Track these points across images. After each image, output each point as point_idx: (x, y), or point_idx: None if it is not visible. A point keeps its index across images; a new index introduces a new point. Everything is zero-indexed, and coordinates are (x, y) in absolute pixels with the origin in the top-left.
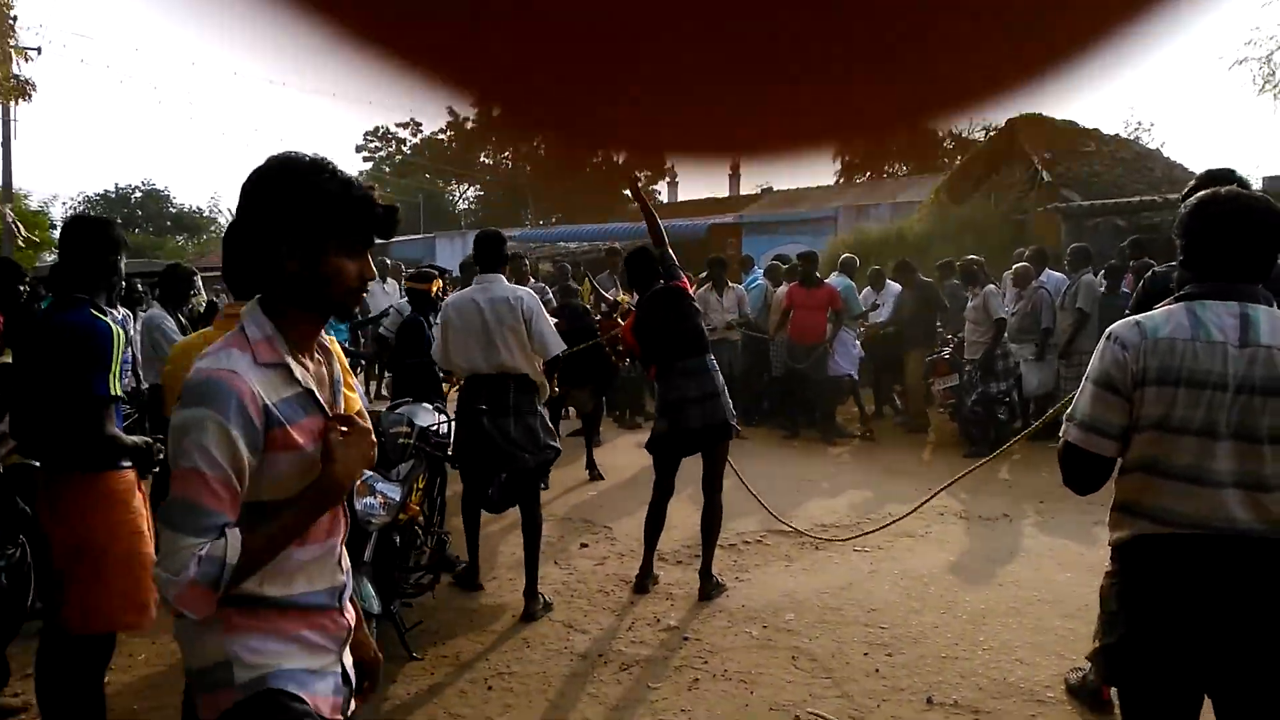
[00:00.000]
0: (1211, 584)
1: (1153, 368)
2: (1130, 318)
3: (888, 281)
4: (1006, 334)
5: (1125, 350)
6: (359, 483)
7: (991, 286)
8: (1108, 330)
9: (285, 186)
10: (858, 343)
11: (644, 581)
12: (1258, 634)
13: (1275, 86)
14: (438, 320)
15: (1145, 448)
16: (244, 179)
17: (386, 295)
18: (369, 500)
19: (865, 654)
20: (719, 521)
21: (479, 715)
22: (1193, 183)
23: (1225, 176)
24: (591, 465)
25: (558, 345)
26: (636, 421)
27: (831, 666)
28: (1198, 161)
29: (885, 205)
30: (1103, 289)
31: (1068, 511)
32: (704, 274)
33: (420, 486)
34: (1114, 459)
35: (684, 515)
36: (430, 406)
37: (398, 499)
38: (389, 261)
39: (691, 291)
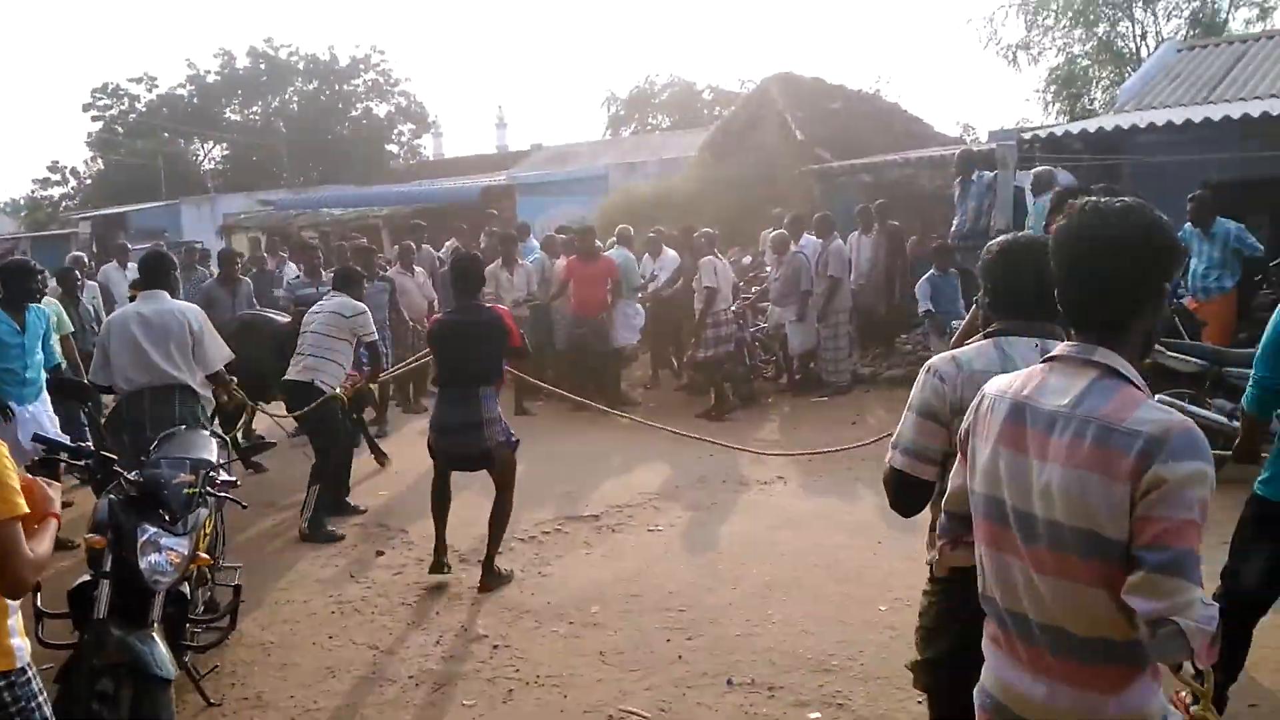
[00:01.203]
0: None
1: (969, 397)
2: (946, 353)
3: (664, 248)
4: (772, 298)
5: (943, 382)
6: (142, 540)
7: (709, 257)
8: (926, 364)
9: None
10: (640, 309)
11: (440, 561)
12: None
13: (998, 44)
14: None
15: (957, 475)
16: None
17: (127, 279)
18: (155, 558)
19: (668, 640)
20: (506, 518)
21: None
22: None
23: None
24: (375, 450)
25: (222, 359)
26: (422, 405)
27: (638, 658)
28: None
29: (653, 161)
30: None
31: (831, 470)
32: (482, 244)
33: (207, 531)
34: (934, 482)
35: (482, 511)
36: (205, 432)
37: (186, 552)
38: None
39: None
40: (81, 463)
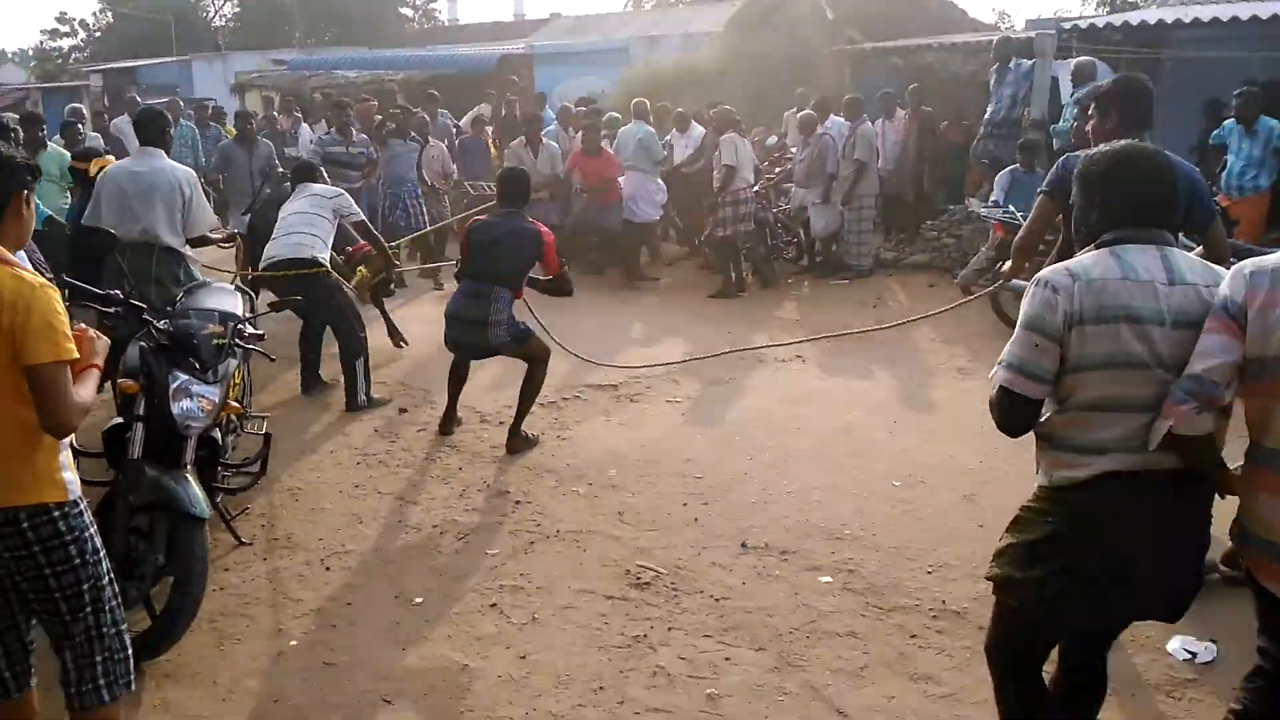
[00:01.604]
0: (1155, 519)
1: (1089, 307)
2: (1058, 265)
3: (693, 124)
4: (796, 180)
5: (1056, 293)
6: (174, 387)
7: (730, 135)
8: (1037, 276)
9: None
10: (661, 185)
11: (448, 425)
12: (1181, 567)
13: None
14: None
15: (1093, 386)
16: None
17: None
18: (186, 404)
19: (684, 504)
20: (536, 390)
21: (321, 597)
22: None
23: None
24: (392, 331)
25: (208, 224)
26: (440, 283)
27: (654, 519)
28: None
29: (676, 37)
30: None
31: (851, 351)
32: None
33: (237, 381)
34: (1041, 400)
35: (509, 374)
36: (230, 287)
37: (217, 400)
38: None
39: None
40: (111, 310)
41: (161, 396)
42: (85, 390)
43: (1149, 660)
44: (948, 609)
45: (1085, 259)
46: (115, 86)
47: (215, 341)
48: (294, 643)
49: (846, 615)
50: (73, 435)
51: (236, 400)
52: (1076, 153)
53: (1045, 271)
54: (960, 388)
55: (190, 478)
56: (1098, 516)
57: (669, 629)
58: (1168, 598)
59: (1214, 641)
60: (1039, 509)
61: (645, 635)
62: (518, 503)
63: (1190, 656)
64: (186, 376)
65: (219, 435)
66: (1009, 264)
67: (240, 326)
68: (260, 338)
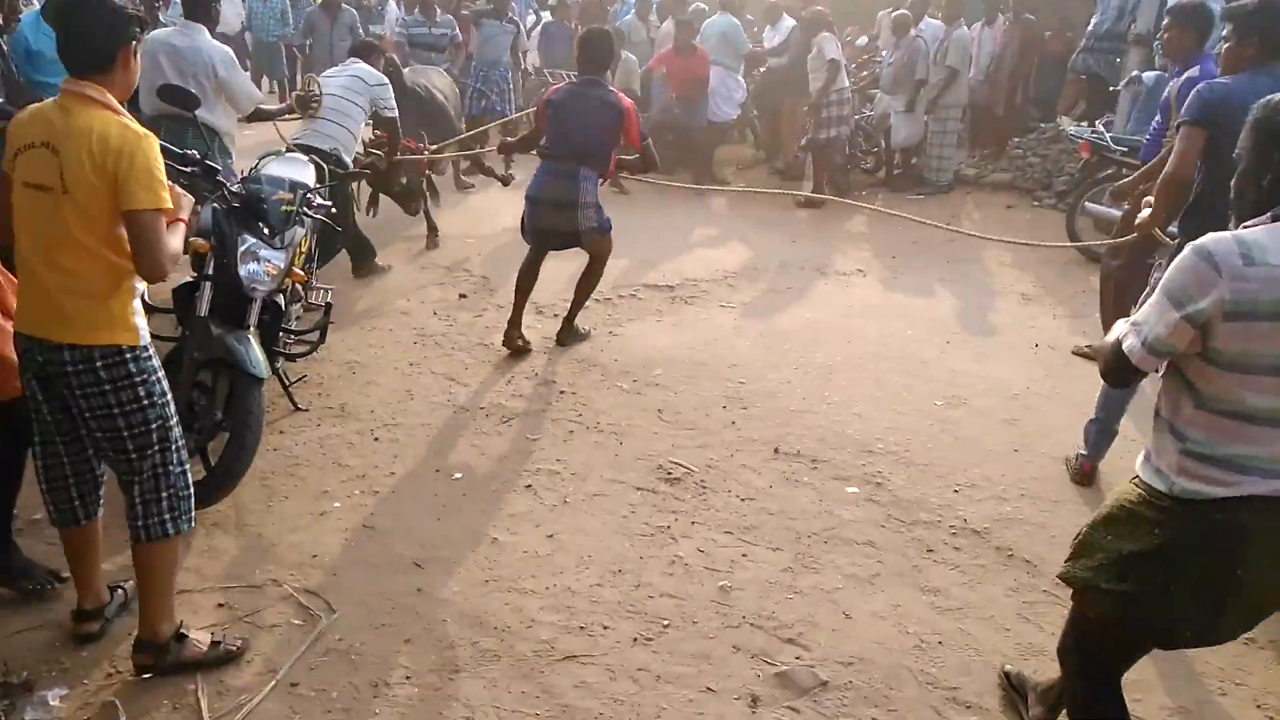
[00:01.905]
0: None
1: (1265, 300)
2: (1227, 234)
3: (784, 15)
4: (882, 85)
5: (1218, 273)
6: (242, 250)
7: (826, 33)
8: (1198, 244)
9: None
10: (742, 82)
11: (511, 335)
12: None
13: None
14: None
15: (1258, 394)
16: None
17: (230, 2)
18: (253, 267)
19: (724, 407)
20: (592, 287)
21: (367, 464)
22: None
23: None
24: (431, 229)
25: (251, 101)
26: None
27: (693, 420)
28: None
29: None
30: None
31: (915, 269)
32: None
33: (303, 251)
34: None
35: (565, 268)
36: (304, 158)
37: (283, 265)
38: None
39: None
40: (188, 169)
41: (231, 257)
42: (176, 240)
43: None
44: (968, 527)
45: (1259, 234)
46: None
47: (284, 208)
48: (337, 504)
49: (867, 525)
50: (145, 287)
51: (301, 269)
52: (1221, 79)
53: (1209, 239)
54: (1021, 313)
55: (252, 339)
56: (1240, 541)
57: (693, 523)
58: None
59: None
60: (1147, 516)
61: (669, 527)
62: (562, 393)
63: None
64: (255, 240)
65: (283, 301)
66: (1147, 211)
67: (309, 195)
68: (329, 209)
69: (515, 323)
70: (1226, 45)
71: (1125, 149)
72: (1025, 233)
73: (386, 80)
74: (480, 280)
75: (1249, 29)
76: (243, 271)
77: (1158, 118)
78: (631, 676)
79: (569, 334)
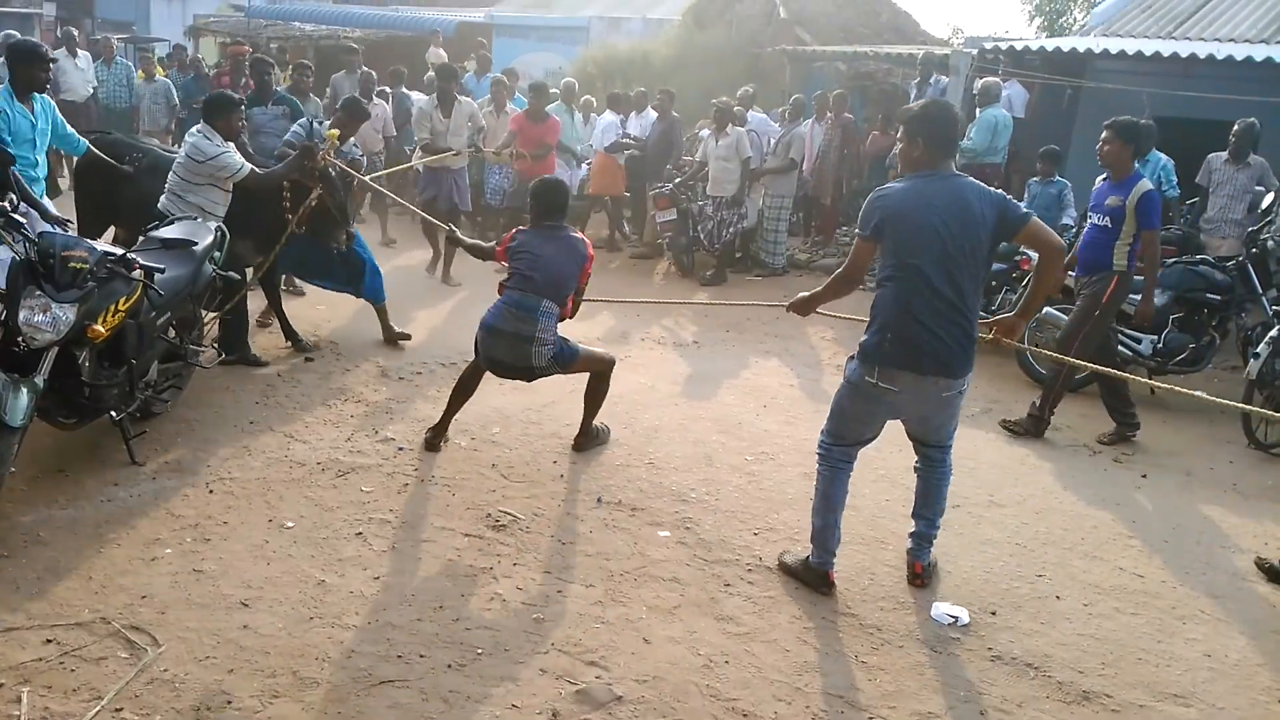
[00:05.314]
0: None
1: None
2: None
3: (649, 109)
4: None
5: None
6: (28, 300)
7: (740, 129)
8: None
9: None
10: (585, 167)
11: (436, 441)
12: None
13: None
14: None
15: None
16: None
17: (79, 71)
18: (37, 317)
19: (554, 462)
20: (598, 398)
21: (200, 515)
22: None
23: None
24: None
25: None
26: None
27: (525, 473)
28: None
29: (638, 20)
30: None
31: (746, 341)
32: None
33: (122, 308)
34: None
35: (421, 334)
36: (208, 224)
37: (71, 319)
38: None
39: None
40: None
41: (12, 306)
42: None
43: (919, 620)
44: (763, 564)
45: None
46: (69, 17)
47: (73, 265)
48: (169, 550)
49: (674, 564)
50: None
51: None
52: (891, 184)
53: None
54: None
55: (23, 387)
56: None
57: (514, 564)
58: None
59: (966, 608)
60: None
61: (491, 568)
62: (400, 449)
63: (952, 620)
64: (40, 292)
65: (82, 356)
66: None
67: (129, 259)
68: (152, 275)
69: (442, 428)
70: (900, 146)
71: None
72: (851, 312)
73: (226, 149)
74: (328, 344)
75: (915, 132)
76: (20, 318)
77: None
78: (443, 698)
79: (587, 440)
